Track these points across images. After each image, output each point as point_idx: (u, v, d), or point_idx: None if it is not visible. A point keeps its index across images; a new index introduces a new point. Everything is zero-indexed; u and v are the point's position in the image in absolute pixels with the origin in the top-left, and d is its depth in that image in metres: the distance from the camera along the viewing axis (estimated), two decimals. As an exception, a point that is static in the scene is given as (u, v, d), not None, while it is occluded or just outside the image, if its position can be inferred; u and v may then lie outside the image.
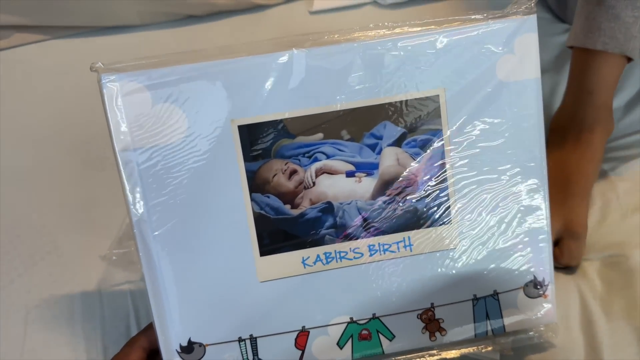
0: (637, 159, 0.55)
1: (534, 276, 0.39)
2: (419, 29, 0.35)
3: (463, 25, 0.35)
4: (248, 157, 0.35)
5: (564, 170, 0.49)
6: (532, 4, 0.36)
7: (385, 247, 0.37)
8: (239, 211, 0.35)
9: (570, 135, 0.51)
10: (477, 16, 0.35)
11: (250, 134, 0.35)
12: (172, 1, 0.70)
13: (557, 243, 0.47)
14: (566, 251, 0.46)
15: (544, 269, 0.39)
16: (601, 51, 0.48)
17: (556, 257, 0.46)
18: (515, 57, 0.36)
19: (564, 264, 0.47)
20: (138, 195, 0.34)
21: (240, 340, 0.37)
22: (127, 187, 0.34)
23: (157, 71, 0.33)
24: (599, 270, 0.47)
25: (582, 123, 0.50)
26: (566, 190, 0.48)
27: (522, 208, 0.38)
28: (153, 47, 0.70)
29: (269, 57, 0.34)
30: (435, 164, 0.37)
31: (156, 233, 0.35)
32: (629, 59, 0.49)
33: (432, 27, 0.36)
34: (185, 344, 0.36)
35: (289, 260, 0.36)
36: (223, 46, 0.34)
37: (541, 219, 0.39)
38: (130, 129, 0.34)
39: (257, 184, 0.36)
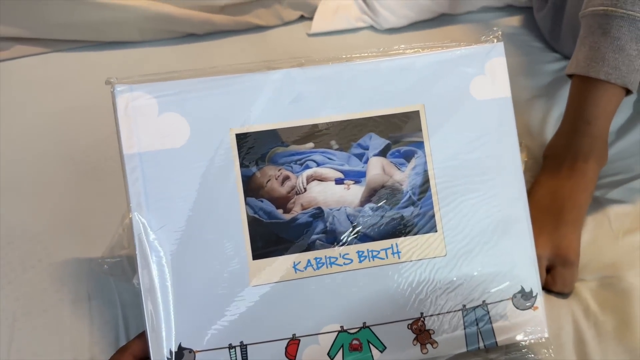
0: (628, 183, 0.60)
1: (522, 287, 0.44)
2: (401, 51, 0.42)
3: (439, 50, 0.42)
4: (244, 163, 0.41)
5: (557, 199, 0.53)
6: (499, 35, 0.44)
7: (374, 253, 0.42)
8: (234, 214, 0.40)
9: (565, 163, 0.54)
10: (453, 43, 0.43)
11: (246, 142, 0.41)
12: (173, 18, 0.77)
13: (549, 270, 0.51)
14: (559, 279, 0.50)
15: (530, 279, 0.44)
16: (602, 81, 0.51)
17: (549, 285, 0.50)
18: (486, 78, 0.43)
19: (557, 291, 0.50)
20: (140, 197, 0.40)
21: (230, 347, 0.40)
22: (131, 189, 0.40)
23: (164, 84, 0.40)
24: (591, 290, 0.51)
25: (578, 152, 0.54)
26: (559, 218, 0.52)
27: (503, 218, 0.43)
28: (153, 63, 0.76)
29: (267, 74, 0.41)
30: (419, 174, 0.42)
31: (154, 234, 0.40)
32: (628, 92, 0.53)
33: (412, 51, 0.42)
34: (175, 349, 0.40)
35: (280, 265, 0.41)
36: (223, 65, 0.41)
37: (523, 229, 0.44)
38: (138, 134, 0.39)
39: (251, 189, 0.41)
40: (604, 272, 0.52)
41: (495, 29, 0.43)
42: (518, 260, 0.43)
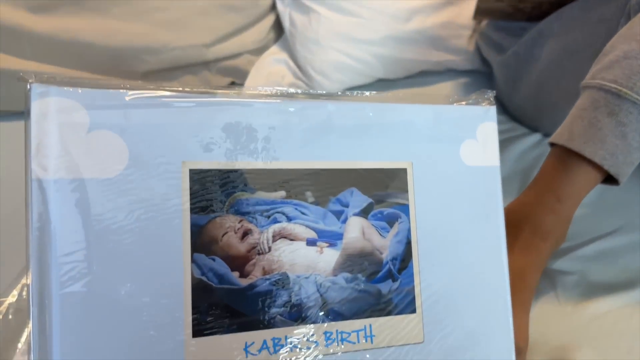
0: (575, 252, 0.60)
1: None
2: (391, 96, 0.38)
3: (431, 103, 0.39)
4: (196, 207, 0.32)
5: None
6: (491, 97, 0.41)
7: (344, 335, 0.35)
8: (174, 273, 0.31)
9: (522, 236, 0.51)
10: (445, 98, 0.40)
11: (203, 181, 0.33)
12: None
13: None
14: None
15: None
16: (591, 163, 0.47)
17: None
18: (477, 143, 0.41)
19: None
20: (47, 238, 0.29)
21: None
22: (35, 225, 0.29)
23: (101, 92, 0.31)
24: (539, 376, 0.49)
25: (538, 228, 0.51)
26: None
27: (483, 302, 0.40)
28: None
29: (238, 101, 0.34)
30: (401, 242, 0.37)
31: (63, 291, 0.29)
32: (607, 181, 0.49)
33: (404, 100, 0.39)
34: None
35: (228, 345, 0.32)
36: (189, 84, 0.33)
37: (504, 315, 0.41)
38: (56, 154, 0.30)
39: (202, 243, 0.32)
40: (552, 353, 0.51)
41: (488, 91, 0.41)
42: (496, 350, 0.40)
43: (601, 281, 0.58)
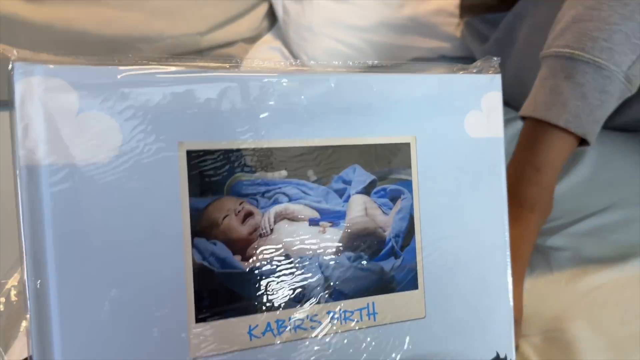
0: (568, 229, 0.59)
1: (497, 353, 0.38)
2: (392, 68, 0.36)
3: (435, 73, 0.37)
4: (195, 190, 0.30)
5: None
6: (496, 64, 0.39)
7: (347, 314, 0.33)
8: (175, 259, 0.29)
9: (509, 211, 0.51)
10: (449, 67, 0.38)
11: (200, 163, 0.30)
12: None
13: None
14: None
15: (506, 344, 0.39)
16: (559, 128, 0.48)
17: None
18: (482, 114, 0.39)
19: None
20: (38, 231, 0.27)
21: None
22: (26, 214, 0.27)
23: (90, 69, 0.28)
24: (535, 346, 0.48)
25: (523, 200, 0.51)
26: None
27: (484, 275, 0.38)
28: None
29: (236, 76, 0.32)
30: (404, 219, 0.36)
31: (57, 292, 0.27)
32: (582, 143, 0.49)
33: (406, 72, 0.37)
34: None
35: (232, 330, 0.31)
36: (182, 56, 0.30)
37: (504, 288, 0.39)
38: (43, 138, 0.27)
39: (202, 227, 0.30)
40: (547, 325, 0.50)
41: (493, 58, 0.38)
42: (496, 324, 0.38)
43: (594, 256, 0.57)
